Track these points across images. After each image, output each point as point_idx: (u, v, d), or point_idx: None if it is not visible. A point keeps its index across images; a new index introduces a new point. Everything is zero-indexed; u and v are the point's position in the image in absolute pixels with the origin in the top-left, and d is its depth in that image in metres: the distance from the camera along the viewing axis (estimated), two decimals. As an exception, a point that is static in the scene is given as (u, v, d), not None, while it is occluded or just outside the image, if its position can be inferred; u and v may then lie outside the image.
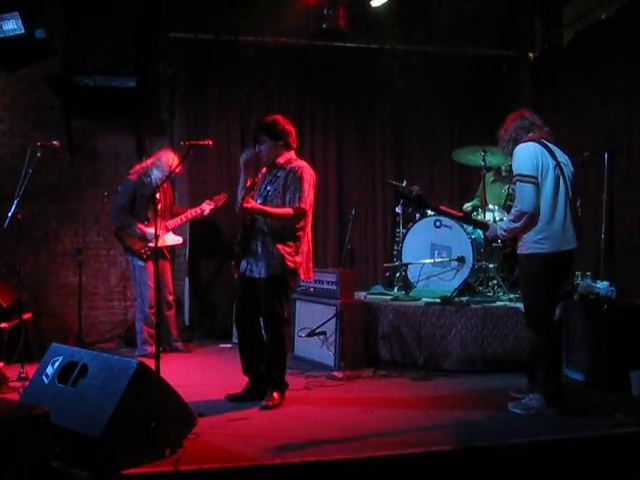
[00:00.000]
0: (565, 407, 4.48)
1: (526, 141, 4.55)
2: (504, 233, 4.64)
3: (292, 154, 4.83)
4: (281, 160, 4.76)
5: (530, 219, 4.42)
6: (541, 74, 8.19)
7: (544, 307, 4.55)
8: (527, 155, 4.46)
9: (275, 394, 4.69)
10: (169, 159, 6.59)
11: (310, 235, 4.89)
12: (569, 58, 7.53)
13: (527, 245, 4.51)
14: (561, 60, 7.72)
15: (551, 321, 4.55)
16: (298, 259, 4.72)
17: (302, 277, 4.83)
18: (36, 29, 6.24)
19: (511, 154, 4.63)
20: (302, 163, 4.81)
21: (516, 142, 4.59)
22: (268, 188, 4.73)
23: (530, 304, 4.63)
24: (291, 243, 4.68)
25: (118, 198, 6.68)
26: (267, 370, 4.80)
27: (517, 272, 6.87)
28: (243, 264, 4.76)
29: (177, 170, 6.54)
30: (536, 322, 4.58)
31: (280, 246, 4.63)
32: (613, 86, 6.74)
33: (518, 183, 4.45)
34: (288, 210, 4.63)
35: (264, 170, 4.86)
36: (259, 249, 4.68)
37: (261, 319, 4.83)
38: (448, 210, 5.23)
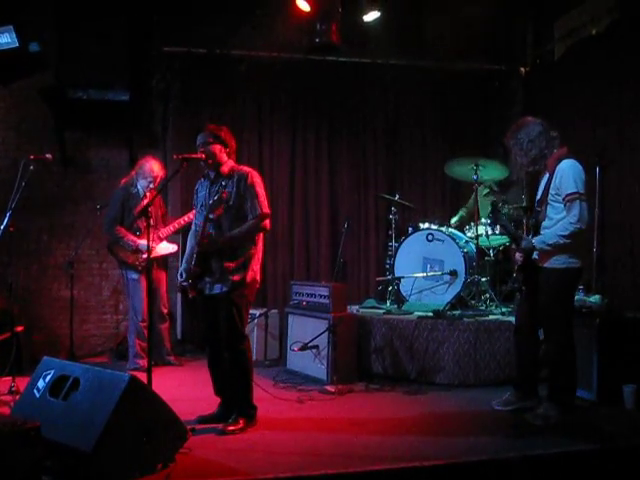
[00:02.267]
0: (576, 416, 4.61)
1: (564, 156, 4.60)
2: (547, 247, 4.59)
3: (233, 162, 4.74)
4: (225, 169, 4.67)
5: (580, 236, 4.53)
6: (533, 88, 8.25)
7: (568, 319, 4.67)
8: (581, 173, 4.55)
9: (240, 420, 4.46)
10: (151, 165, 6.60)
11: (263, 240, 4.78)
12: (560, 72, 7.59)
13: (561, 260, 4.58)
14: (552, 74, 7.78)
15: (572, 333, 4.65)
16: (255, 267, 4.62)
17: (258, 285, 4.72)
18: (30, 42, 6.25)
19: (532, 171, 4.72)
20: (247, 168, 4.73)
21: (544, 159, 4.64)
22: (216, 200, 4.57)
23: (558, 316, 4.64)
24: (248, 252, 4.59)
25: (108, 212, 6.69)
26: (232, 391, 4.62)
27: (511, 284, 6.95)
28: (202, 283, 4.59)
29: (161, 176, 6.58)
30: (560, 334, 4.63)
31: (239, 259, 4.53)
32: (604, 100, 6.79)
33: (577, 201, 4.46)
34: (250, 225, 4.55)
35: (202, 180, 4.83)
36: (217, 265, 4.53)
37: None
38: (507, 226, 5.17)
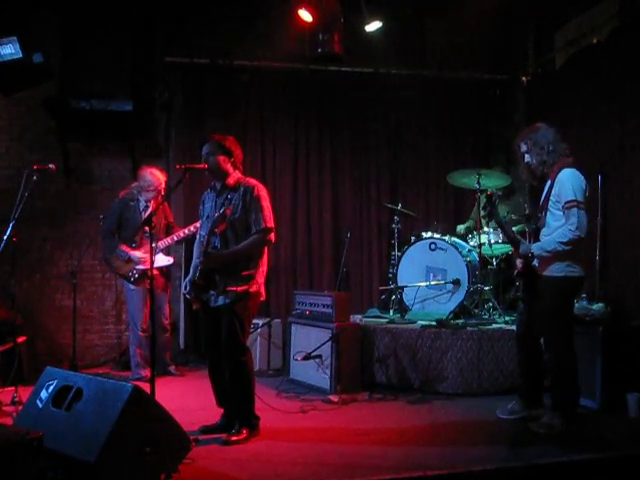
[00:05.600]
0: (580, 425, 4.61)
1: (567, 165, 4.63)
2: (545, 253, 4.61)
3: (239, 174, 4.70)
4: (231, 181, 4.63)
5: (579, 244, 4.52)
6: (534, 97, 8.27)
7: (568, 328, 4.69)
8: (581, 182, 4.57)
9: (243, 430, 4.44)
10: (153, 174, 6.57)
11: (268, 253, 4.75)
12: (561, 81, 7.61)
13: (560, 268, 4.59)
14: (554, 83, 7.80)
15: (572, 342, 4.66)
16: (259, 280, 4.59)
17: (263, 297, 4.68)
18: (34, 53, 6.29)
19: (540, 173, 4.71)
20: (254, 181, 4.68)
21: (552, 164, 4.65)
22: (220, 215, 4.53)
23: (556, 325, 4.65)
24: (253, 264, 4.55)
25: (104, 223, 6.68)
26: (233, 403, 4.60)
27: (514, 292, 6.94)
28: (206, 295, 4.56)
29: (165, 183, 6.57)
30: (560, 343, 4.64)
31: (242, 272, 4.50)
32: (605, 109, 6.80)
33: (575, 209, 4.47)
34: (253, 240, 4.51)
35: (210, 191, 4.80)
36: (221, 278, 4.51)
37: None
38: (505, 226, 5.13)
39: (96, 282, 7.74)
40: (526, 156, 4.79)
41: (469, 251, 6.95)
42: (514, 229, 7.21)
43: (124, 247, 6.51)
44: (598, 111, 6.92)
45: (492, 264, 7.04)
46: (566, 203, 4.51)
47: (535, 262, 4.73)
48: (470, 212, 7.74)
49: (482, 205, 5.20)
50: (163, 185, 6.60)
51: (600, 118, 6.88)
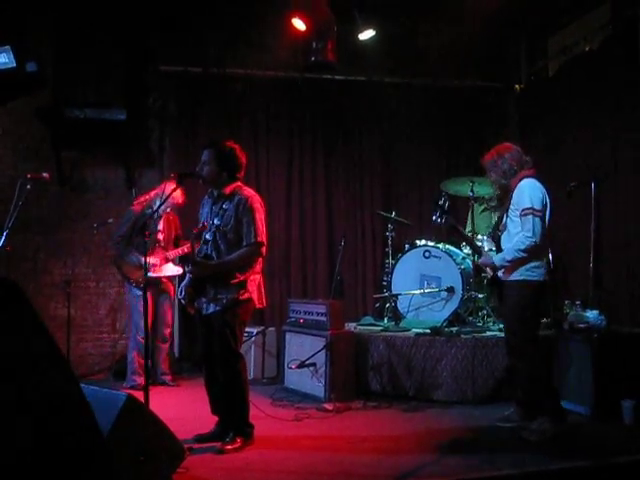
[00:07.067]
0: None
1: (527, 176, 4.75)
2: (506, 263, 4.73)
3: (237, 183, 4.67)
4: (227, 190, 4.61)
5: (537, 250, 4.62)
6: (527, 105, 8.30)
7: (534, 334, 4.72)
8: (537, 191, 4.69)
9: (238, 438, 4.44)
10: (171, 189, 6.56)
11: (262, 262, 4.73)
12: (554, 89, 7.65)
13: (519, 272, 4.68)
14: (546, 91, 7.84)
15: (538, 344, 4.73)
16: (250, 288, 4.57)
17: (257, 305, 4.66)
18: (27, 62, 6.29)
19: (504, 185, 4.84)
20: (249, 192, 4.65)
21: (512, 176, 4.78)
22: (216, 222, 4.57)
23: (518, 330, 4.71)
24: (243, 273, 4.53)
25: (119, 227, 6.66)
26: (227, 411, 4.59)
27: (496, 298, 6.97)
28: (199, 302, 4.58)
29: (180, 201, 6.54)
30: (526, 350, 4.66)
31: (232, 280, 4.48)
32: (598, 116, 6.83)
33: (531, 216, 4.60)
34: (243, 252, 4.50)
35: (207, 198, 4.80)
36: (211, 286, 4.52)
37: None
38: (460, 229, 5.46)
39: (90, 291, 7.72)
40: (490, 175, 4.96)
41: (463, 259, 6.96)
42: None
43: (137, 254, 6.49)
44: (591, 118, 6.95)
45: (486, 272, 7.04)
46: (522, 210, 4.65)
47: (500, 272, 4.87)
48: (464, 220, 7.74)
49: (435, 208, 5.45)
50: (180, 201, 6.57)
51: (593, 125, 6.91)
